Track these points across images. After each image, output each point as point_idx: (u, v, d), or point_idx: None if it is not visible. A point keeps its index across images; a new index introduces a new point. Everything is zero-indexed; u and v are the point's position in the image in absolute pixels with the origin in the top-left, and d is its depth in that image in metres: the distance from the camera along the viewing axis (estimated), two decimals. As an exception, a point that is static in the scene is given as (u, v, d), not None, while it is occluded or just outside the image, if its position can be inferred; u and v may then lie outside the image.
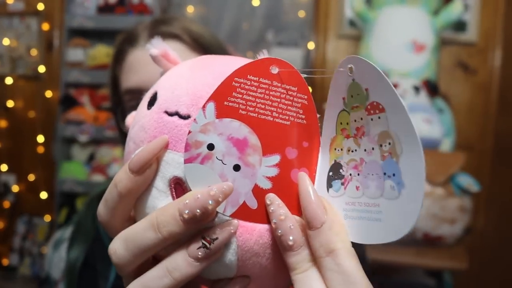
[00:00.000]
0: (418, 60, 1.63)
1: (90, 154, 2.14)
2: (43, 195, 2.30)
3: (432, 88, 1.57)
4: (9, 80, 2.32)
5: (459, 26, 1.88)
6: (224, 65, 0.28)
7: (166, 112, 0.26)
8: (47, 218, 2.29)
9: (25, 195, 2.37)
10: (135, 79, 0.52)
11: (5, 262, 2.31)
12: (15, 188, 2.36)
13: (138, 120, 0.29)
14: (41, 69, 2.27)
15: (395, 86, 1.50)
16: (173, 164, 0.26)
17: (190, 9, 2.19)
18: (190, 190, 0.26)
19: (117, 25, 2.01)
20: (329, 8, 2.05)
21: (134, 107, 0.46)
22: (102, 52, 2.02)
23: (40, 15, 2.26)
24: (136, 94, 0.51)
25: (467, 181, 1.40)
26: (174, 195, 0.26)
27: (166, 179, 0.26)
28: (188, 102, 0.26)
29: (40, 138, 2.29)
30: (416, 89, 1.52)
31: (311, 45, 2.07)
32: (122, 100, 0.54)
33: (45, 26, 2.27)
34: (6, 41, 2.30)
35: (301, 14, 2.11)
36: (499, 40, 1.90)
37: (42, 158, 2.30)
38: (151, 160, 0.25)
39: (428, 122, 1.48)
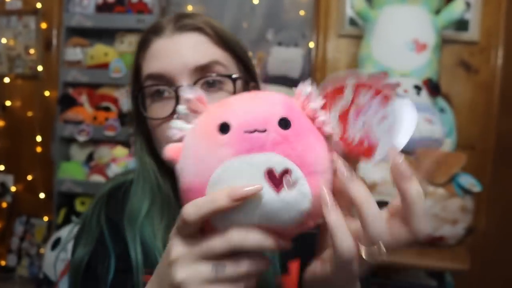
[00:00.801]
0: (420, 59, 1.62)
1: (88, 154, 2.12)
2: (41, 195, 2.29)
3: (433, 88, 1.55)
4: (7, 80, 2.31)
5: (461, 25, 1.87)
6: (274, 96, 0.36)
7: (246, 131, 0.33)
8: (45, 218, 2.27)
9: (23, 195, 2.36)
10: (158, 65, 0.53)
11: (3, 263, 2.30)
12: (13, 188, 2.35)
13: (210, 146, 0.34)
14: (39, 68, 2.26)
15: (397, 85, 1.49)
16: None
17: (189, 8, 2.18)
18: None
19: (116, 24, 1.99)
20: (330, 7, 2.04)
21: (154, 94, 0.54)
22: (100, 51, 2.00)
23: (38, 13, 2.24)
24: (157, 79, 0.53)
25: (469, 181, 1.39)
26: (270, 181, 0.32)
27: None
28: (262, 121, 0.33)
29: (38, 138, 2.28)
30: (418, 88, 1.51)
31: (311, 44, 2.06)
32: (143, 86, 0.56)
33: (43, 25, 2.26)
34: (3, 40, 2.29)
35: (302, 13, 2.10)
36: (501, 39, 1.89)
37: (41, 158, 2.29)
38: (250, 196, 0.31)
39: (430, 122, 1.46)
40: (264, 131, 0.33)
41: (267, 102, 0.35)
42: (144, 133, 0.60)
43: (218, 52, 0.54)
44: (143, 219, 0.55)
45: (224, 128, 0.34)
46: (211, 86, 0.53)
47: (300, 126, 0.34)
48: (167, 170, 0.57)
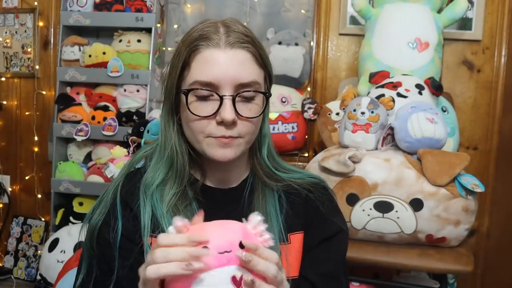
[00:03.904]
0: (422, 58, 1.60)
1: (87, 154, 2.11)
2: (39, 196, 2.28)
3: (435, 87, 1.53)
4: (3, 78, 2.30)
5: (464, 23, 1.86)
6: (235, 226, 0.54)
7: (219, 252, 0.50)
8: (43, 219, 2.27)
9: (20, 196, 2.35)
10: (209, 73, 0.65)
11: (-1, 264, 2.29)
12: (10, 189, 2.34)
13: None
14: (37, 67, 2.25)
15: (398, 84, 1.48)
16: None
17: (188, 6, 2.17)
18: None
19: (114, 22, 1.98)
20: (331, 6, 2.03)
21: (200, 98, 0.66)
22: (99, 50, 1.99)
23: (36, 12, 2.24)
24: (206, 85, 0.65)
25: (472, 182, 1.36)
26: None
27: None
28: (228, 245, 0.51)
29: (36, 138, 2.27)
30: (420, 87, 1.49)
31: (312, 43, 2.05)
32: (195, 88, 0.66)
33: (41, 23, 2.26)
34: (0, 38, 2.28)
35: (302, 11, 2.09)
36: (505, 38, 1.88)
37: (38, 158, 2.29)
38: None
39: (432, 122, 1.45)
40: (230, 251, 0.50)
41: (231, 231, 0.53)
42: (172, 113, 0.72)
43: (257, 71, 0.68)
44: (156, 187, 0.69)
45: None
46: (246, 97, 0.67)
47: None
48: (187, 146, 0.71)
